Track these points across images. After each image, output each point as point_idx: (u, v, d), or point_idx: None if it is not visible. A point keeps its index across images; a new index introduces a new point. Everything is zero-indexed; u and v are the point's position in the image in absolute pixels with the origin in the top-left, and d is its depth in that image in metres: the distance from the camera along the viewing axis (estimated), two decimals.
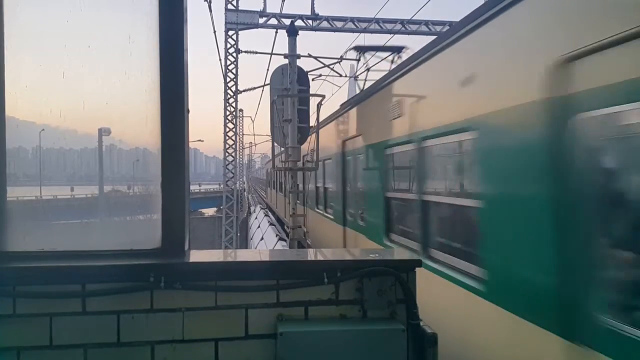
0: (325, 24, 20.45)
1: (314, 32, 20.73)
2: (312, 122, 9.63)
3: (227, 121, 22.66)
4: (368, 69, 12.51)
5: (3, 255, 2.24)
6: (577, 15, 2.62)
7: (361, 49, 13.37)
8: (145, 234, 2.37)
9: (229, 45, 21.18)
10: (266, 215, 26.43)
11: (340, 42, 23.70)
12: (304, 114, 9.63)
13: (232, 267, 2.37)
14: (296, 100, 9.44)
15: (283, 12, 20.08)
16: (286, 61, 9.92)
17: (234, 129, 23.25)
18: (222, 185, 27.93)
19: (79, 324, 2.14)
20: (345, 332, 2.23)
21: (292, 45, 10.04)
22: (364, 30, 20.35)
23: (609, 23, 2.31)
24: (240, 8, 20.43)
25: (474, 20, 3.55)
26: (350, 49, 13.57)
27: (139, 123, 2.38)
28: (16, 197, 2.41)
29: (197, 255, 2.39)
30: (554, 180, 2.68)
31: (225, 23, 20.61)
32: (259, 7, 20.28)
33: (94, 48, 2.33)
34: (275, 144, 10.25)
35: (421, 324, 2.30)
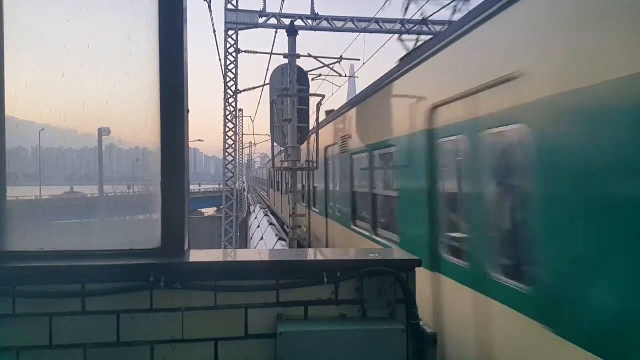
0: (325, 23, 20.45)
1: (313, 32, 20.74)
2: (312, 122, 9.64)
3: (227, 121, 22.65)
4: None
5: (3, 255, 2.24)
6: (437, 83, 4.57)
7: None
8: (145, 233, 2.37)
9: (228, 45, 21.18)
10: (266, 215, 26.39)
11: (340, 42, 23.74)
12: (303, 114, 9.64)
13: (232, 267, 2.37)
14: (296, 100, 9.45)
15: (283, 12, 20.08)
16: (286, 61, 9.92)
17: (233, 129, 23.25)
18: (221, 185, 27.92)
19: (78, 324, 2.14)
20: (345, 332, 2.23)
21: (292, 45, 10.04)
22: (364, 30, 20.35)
23: (449, 89, 4.12)
24: (240, 8, 20.42)
25: (389, 77, 5.97)
26: None
27: (139, 123, 2.38)
28: (16, 197, 2.42)
29: (197, 255, 2.39)
30: (428, 178, 4.61)
31: (225, 23, 20.61)
32: (259, 7, 20.29)
33: (94, 48, 2.33)
34: (275, 144, 10.25)
35: (421, 323, 2.30)
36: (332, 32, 20.71)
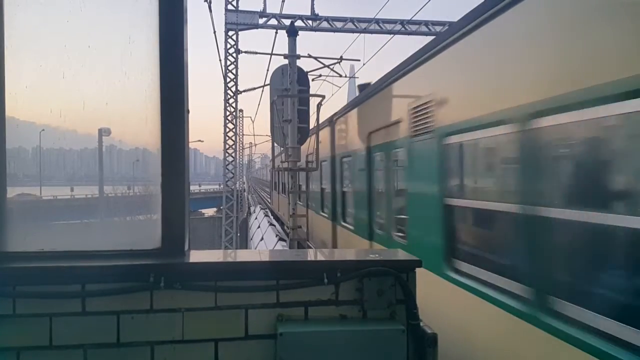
0: (325, 24, 20.46)
1: (313, 32, 20.74)
2: (312, 122, 9.64)
3: (227, 121, 22.66)
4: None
5: (3, 256, 2.24)
6: (371, 117, 6.91)
7: None
8: (145, 234, 2.37)
9: (229, 46, 21.19)
10: (266, 215, 26.34)
11: (340, 43, 23.72)
12: (303, 114, 9.63)
13: (232, 268, 2.36)
14: (296, 101, 9.45)
15: (283, 12, 20.10)
16: (286, 61, 9.92)
17: (234, 129, 23.26)
18: (222, 186, 27.91)
19: (78, 324, 2.14)
20: (345, 332, 2.23)
21: (292, 45, 10.05)
22: (364, 31, 20.36)
23: (378, 122, 6.49)
24: (240, 8, 20.43)
25: (348, 107, 8.61)
26: None
27: (139, 123, 2.38)
28: (16, 198, 2.41)
29: (197, 256, 2.39)
30: (368, 181, 7.00)
31: (225, 23, 20.62)
32: (259, 8, 20.31)
33: (94, 48, 2.33)
34: (275, 144, 10.25)
35: (421, 324, 2.30)
36: (332, 33, 20.73)
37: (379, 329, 2.23)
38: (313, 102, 9.84)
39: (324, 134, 10.21)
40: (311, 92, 10.23)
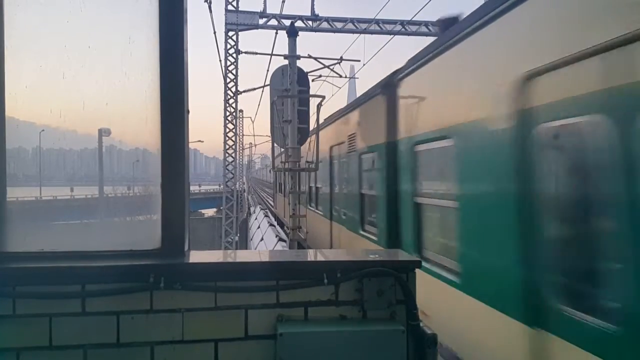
0: (325, 24, 20.45)
1: (313, 33, 20.74)
2: (312, 123, 9.64)
3: (227, 122, 22.66)
4: None
5: (3, 256, 2.24)
6: (332, 136, 9.83)
7: None
8: (145, 234, 2.37)
9: (229, 46, 21.18)
10: (266, 216, 26.32)
11: (340, 43, 23.71)
12: (303, 115, 9.63)
13: (232, 268, 2.36)
14: (296, 101, 9.45)
15: (283, 13, 20.09)
16: (286, 62, 9.92)
17: (234, 130, 23.25)
18: (222, 186, 27.91)
19: (78, 325, 2.14)
20: (345, 332, 2.23)
21: (292, 46, 10.05)
22: (364, 31, 20.36)
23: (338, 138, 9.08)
24: (240, 9, 20.43)
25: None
26: None
27: (139, 123, 2.38)
28: (16, 198, 2.41)
29: (197, 256, 2.39)
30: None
31: (225, 24, 20.61)
32: (259, 8, 20.30)
33: (94, 48, 2.33)
34: (275, 145, 10.25)
35: (421, 324, 2.30)
36: (332, 33, 20.73)
37: (379, 330, 2.23)
38: (313, 102, 9.85)
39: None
40: (311, 92, 10.23)
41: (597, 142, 2.52)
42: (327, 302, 2.30)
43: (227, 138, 22.97)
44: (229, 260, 2.65)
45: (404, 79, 5.51)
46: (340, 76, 17.40)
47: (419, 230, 5.03)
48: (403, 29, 20.52)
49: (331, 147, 9.77)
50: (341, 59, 15.68)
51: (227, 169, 23.54)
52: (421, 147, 4.94)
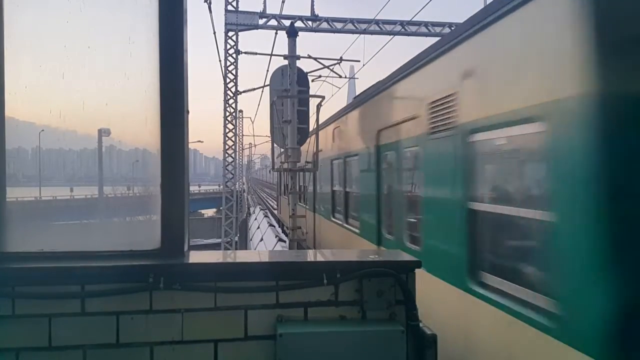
0: (324, 25, 20.45)
1: (313, 33, 20.74)
2: (312, 123, 9.64)
3: (227, 122, 22.65)
4: None
5: (3, 256, 2.24)
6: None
7: None
8: (145, 234, 2.37)
9: (228, 46, 21.17)
10: (265, 216, 26.30)
11: (340, 43, 23.71)
12: (303, 115, 9.64)
13: (232, 268, 2.36)
14: (296, 101, 9.46)
15: (283, 13, 20.07)
16: (286, 62, 9.93)
17: (233, 130, 23.24)
18: (221, 186, 27.90)
19: (78, 325, 2.14)
20: (345, 333, 2.23)
21: (292, 46, 10.06)
22: (364, 32, 20.36)
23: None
24: (240, 9, 20.42)
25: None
26: None
27: (138, 124, 2.38)
28: (16, 198, 2.41)
29: (197, 256, 2.39)
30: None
31: (225, 24, 20.60)
32: (258, 8, 20.29)
33: (94, 49, 2.33)
34: (275, 145, 10.25)
35: (421, 325, 2.30)
36: (332, 34, 20.73)
37: (379, 330, 2.23)
38: (313, 102, 9.86)
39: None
40: (311, 92, 10.24)
41: (398, 163, 5.66)
42: (327, 303, 2.30)
43: (226, 138, 22.97)
44: (229, 260, 2.65)
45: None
46: (340, 76, 17.43)
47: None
48: (403, 30, 20.51)
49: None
50: (341, 59, 15.70)
51: (227, 169, 23.54)
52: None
